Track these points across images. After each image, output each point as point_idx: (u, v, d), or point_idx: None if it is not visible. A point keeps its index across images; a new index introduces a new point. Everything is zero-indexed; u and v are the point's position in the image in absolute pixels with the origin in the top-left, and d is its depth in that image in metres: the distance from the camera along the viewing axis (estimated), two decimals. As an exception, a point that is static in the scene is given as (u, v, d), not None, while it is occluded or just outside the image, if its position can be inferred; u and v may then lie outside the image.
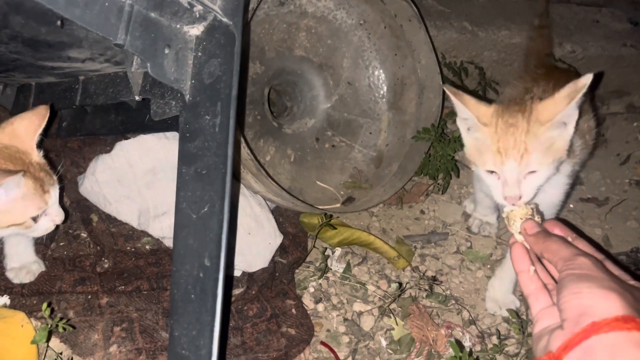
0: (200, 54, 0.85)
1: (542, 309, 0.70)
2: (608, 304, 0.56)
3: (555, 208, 1.17)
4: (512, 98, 1.19)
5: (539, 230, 0.75)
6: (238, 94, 0.80)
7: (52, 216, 0.94)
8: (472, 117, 0.99)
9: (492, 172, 0.98)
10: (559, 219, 0.84)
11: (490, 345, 1.14)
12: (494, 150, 0.96)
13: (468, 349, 1.10)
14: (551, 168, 0.97)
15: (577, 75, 1.35)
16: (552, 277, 0.76)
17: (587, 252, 0.67)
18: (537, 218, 0.83)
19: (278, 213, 1.33)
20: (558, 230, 0.77)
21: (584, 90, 0.90)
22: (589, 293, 0.58)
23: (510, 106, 0.99)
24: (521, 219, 0.82)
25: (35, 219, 0.92)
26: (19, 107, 1.24)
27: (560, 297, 0.61)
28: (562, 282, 0.63)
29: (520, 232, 0.79)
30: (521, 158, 0.94)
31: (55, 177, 0.96)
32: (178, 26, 0.84)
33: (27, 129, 0.93)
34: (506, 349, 1.12)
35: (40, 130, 0.95)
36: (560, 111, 0.92)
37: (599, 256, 0.67)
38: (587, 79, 0.90)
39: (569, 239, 0.75)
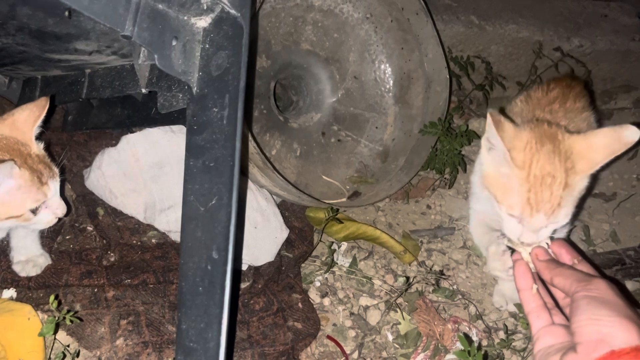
0: (207, 46, 0.84)
1: (543, 327, 0.71)
2: (626, 333, 0.57)
3: (568, 226, 1.10)
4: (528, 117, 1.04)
5: (550, 258, 0.77)
6: (246, 87, 0.79)
7: (54, 209, 0.94)
8: (504, 152, 0.86)
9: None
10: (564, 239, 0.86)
11: (497, 340, 1.13)
12: (523, 200, 0.86)
13: (476, 344, 1.10)
14: (573, 210, 0.89)
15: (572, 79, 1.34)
16: (552, 297, 0.77)
17: (600, 275, 0.68)
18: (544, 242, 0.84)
19: (284, 207, 1.32)
20: (564, 251, 0.80)
21: (630, 146, 0.83)
22: (609, 321, 0.59)
23: (542, 140, 0.87)
24: None
25: (34, 212, 0.91)
26: (24, 100, 1.24)
27: (576, 320, 0.61)
28: (577, 303, 0.63)
29: (529, 253, 0.80)
30: (552, 213, 0.85)
31: (56, 170, 0.94)
32: (185, 18, 0.83)
33: (26, 120, 0.92)
34: (513, 344, 1.11)
35: (39, 122, 0.93)
36: (599, 163, 0.85)
37: None
38: (633, 135, 0.82)
39: (575, 261, 0.77)
